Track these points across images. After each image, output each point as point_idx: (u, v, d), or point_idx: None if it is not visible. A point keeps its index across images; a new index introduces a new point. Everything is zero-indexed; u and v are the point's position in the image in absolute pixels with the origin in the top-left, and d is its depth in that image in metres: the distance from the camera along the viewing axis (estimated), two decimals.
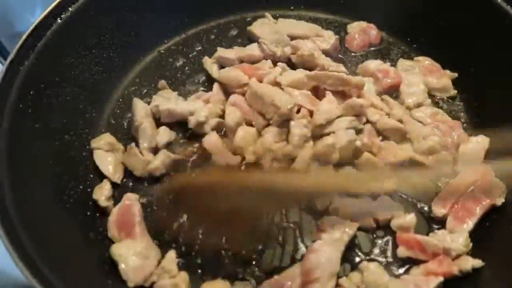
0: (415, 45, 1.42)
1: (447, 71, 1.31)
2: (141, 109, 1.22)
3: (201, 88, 1.34)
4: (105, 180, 1.12)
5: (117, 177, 1.12)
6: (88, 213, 1.09)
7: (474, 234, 1.01)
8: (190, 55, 1.43)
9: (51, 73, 1.14)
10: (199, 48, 1.44)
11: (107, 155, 1.14)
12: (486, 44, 1.24)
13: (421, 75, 1.29)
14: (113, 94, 1.32)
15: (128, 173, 1.15)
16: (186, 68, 1.40)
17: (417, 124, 1.18)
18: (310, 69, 1.31)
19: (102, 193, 1.09)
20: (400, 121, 1.18)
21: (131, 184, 1.15)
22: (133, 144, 1.16)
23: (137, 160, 1.13)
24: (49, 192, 1.03)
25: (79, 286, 0.89)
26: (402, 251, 0.99)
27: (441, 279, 0.93)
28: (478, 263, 0.95)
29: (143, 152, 1.15)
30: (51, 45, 1.13)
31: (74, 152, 1.16)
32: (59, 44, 1.15)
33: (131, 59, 1.38)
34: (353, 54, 1.42)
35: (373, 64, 1.31)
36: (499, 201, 1.05)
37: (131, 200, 1.08)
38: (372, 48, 1.43)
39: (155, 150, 1.17)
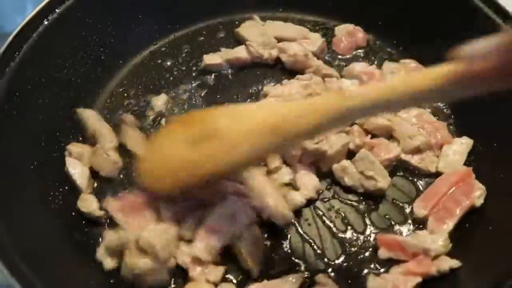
0: (401, 48, 1.44)
1: None
2: (90, 116, 1.22)
3: (192, 91, 1.35)
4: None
5: (88, 192, 1.13)
6: (73, 214, 1.10)
7: (453, 235, 1.03)
8: (179, 57, 1.44)
9: (37, 74, 1.15)
10: (187, 49, 1.45)
11: (79, 164, 1.14)
12: None
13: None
14: (100, 95, 1.33)
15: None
16: (175, 69, 1.41)
17: (404, 123, 1.20)
18: (301, 71, 1.33)
19: (91, 205, 1.09)
20: (388, 121, 1.20)
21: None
22: (98, 145, 1.17)
23: (103, 160, 1.14)
24: (34, 193, 1.04)
25: (62, 285, 0.89)
26: (383, 252, 1.01)
27: (419, 279, 0.94)
28: (455, 263, 0.97)
29: (108, 152, 1.16)
30: (37, 47, 1.14)
31: (60, 153, 1.16)
32: (46, 45, 1.16)
33: (119, 61, 1.39)
34: (339, 56, 1.43)
35: (359, 66, 1.32)
36: (479, 202, 1.06)
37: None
38: (359, 51, 1.44)
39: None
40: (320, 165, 1.15)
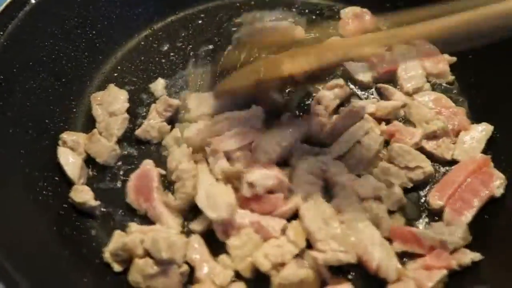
0: None
1: (446, 56, 1.25)
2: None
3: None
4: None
5: (81, 183, 1.06)
6: (65, 206, 1.02)
7: (472, 227, 0.96)
8: (176, 41, 1.36)
9: (24, 57, 1.07)
10: (184, 34, 1.37)
11: (71, 154, 1.08)
12: None
13: (418, 60, 1.23)
14: (94, 80, 1.25)
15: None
16: (171, 54, 1.34)
17: (421, 107, 1.13)
18: None
19: (85, 195, 1.02)
20: (404, 105, 1.14)
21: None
22: (95, 130, 1.11)
23: (101, 146, 1.08)
24: (18, 183, 0.97)
25: (49, 282, 0.82)
26: (397, 246, 0.94)
27: (444, 272, 0.87)
28: (476, 256, 0.90)
29: (109, 138, 1.10)
30: (23, 27, 1.06)
31: (50, 142, 1.09)
32: (32, 26, 1.09)
33: (113, 45, 1.31)
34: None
35: (368, 49, 1.25)
36: (498, 192, 1.00)
37: (149, 165, 1.04)
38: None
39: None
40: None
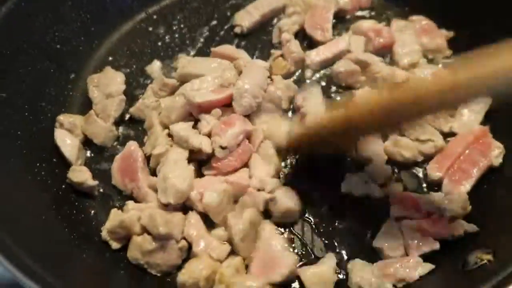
0: (407, 8, 1.35)
1: (443, 31, 1.24)
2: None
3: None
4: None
5: (78, 163, 1.06)
6: (63, 186, 1.03)
7: (472, 196, 0.95)
8: (172, 24, 1.35)
9: (18, 40, 1.07)
10: (180, 16, 1.37)
11: (68, 136, 1.08)
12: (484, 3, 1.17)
13: (416, 36, 1.22)
14: (90, 64, 1.25)
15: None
16: (167, 37, 1.33)
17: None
18: None
19: (83, 175, 1.02)
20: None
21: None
22: (91, 111, 1.11)
23: (98, 127, 1.08)
24: (18, 164, 0.97)
25: (50, 258, 0.82)
26: (395, 210, 0.94)
27: (435, 246, 0.88)
28: (472, 228, 0.90)
29: (106, 119, 1.10)
30: (17, 10, 1.06)
31: (47, 124, 1.09)
32: (26, 8, 1.08)
33: (109, 28, 1.30)
34: (347, 16, 1.34)
35: (366, 24, 1.25)
36: (497, 161, 0.99)
37: (133, 145, 1.04)
38: (365, 11, 1.35)
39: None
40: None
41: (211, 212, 0.93)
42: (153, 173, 1.01)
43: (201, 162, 1.02)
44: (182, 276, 0.85)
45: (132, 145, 1.04)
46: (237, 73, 1.10)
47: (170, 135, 1.03)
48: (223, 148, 0.98)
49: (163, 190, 0.92)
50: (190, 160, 0.99)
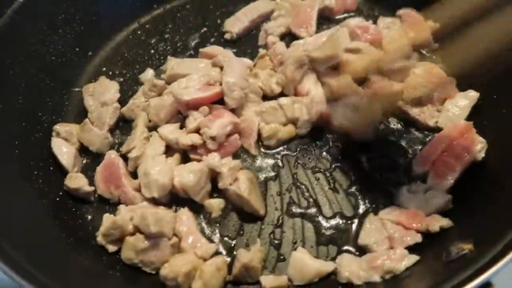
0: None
1: (430, 22, 1.24)
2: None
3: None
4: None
5: (75, 171, 1.09)
6: (60, 193, 1.06)
7: (455, 189, 0.98)
8: (164, 33, 1.39)
9: (14, 51, 1.11)
10: (171, 26, 1.41)
11: (65, 145, 1.11)
12: None
13: (403, 30, 1.24)
14: (84, 74, 1.29)
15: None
16: (160, 45, 1.37)
17: (413, 74, 1.14)
18: None
19: (80, 181, 1.05)
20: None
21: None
22: (86, 120, 1.14)
23: (93, 135, 1.12)
24: (16, 172, 1.01)
25: (47, 262, 0.86)
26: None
27: (417, 239, 0.92)
28: (447, 223, 0.93)
29: (102, 127, 1.13)
30: (12, 24, 1.11)
31: (43, 133, 1.13)
32: (21, 22, 1.12)
33: (102, 39, 1.35)
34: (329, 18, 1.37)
35: (354, 22, 1.27)
36: (480, 156, 1.02)
37: (113, 154, 1.07)
38: (350, 14, 1.39)
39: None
40: None
41: (190, 192, 0.98)
42: (133, 175, 1.05)
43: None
44: (164, 270, 0.88)
45: (111, 153, 1.08)
46: (219, 69, 1.15)
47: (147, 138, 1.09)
48: (212, 138, 1.02)
49: (146, 185, 0.98)
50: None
